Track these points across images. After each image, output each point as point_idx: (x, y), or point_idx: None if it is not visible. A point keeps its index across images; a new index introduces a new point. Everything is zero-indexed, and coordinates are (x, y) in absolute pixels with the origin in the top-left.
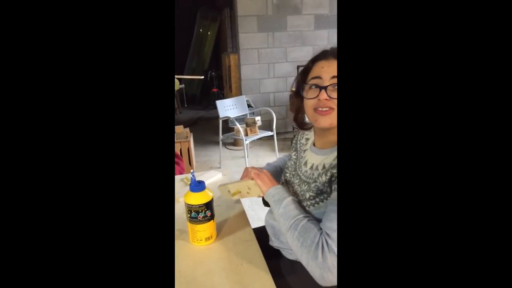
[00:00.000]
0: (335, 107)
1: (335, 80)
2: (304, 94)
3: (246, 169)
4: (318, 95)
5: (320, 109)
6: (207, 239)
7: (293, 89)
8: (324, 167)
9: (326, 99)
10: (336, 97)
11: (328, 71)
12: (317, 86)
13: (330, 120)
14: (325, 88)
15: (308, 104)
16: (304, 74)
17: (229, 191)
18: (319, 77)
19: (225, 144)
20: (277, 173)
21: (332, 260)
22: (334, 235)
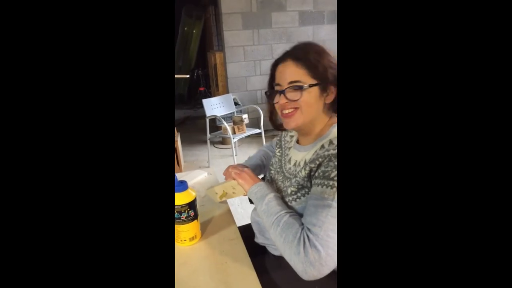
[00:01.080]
0: (299, 106)
1: (292, 83)
2: (272, 98)
3: (227, 169)
4: (279, 100)
5: (285, 111)
6: (191, 239)
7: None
8: (305, 162)
9: (286, 103)
10: (294, 98)
11: (285, 76)
12: (277, 91)
13: (295, 121)
14: (283, 92)
15: (276, 107)
16: (271, 78)
17: (216, 193)
18: (278, 84)
19: (213, 143)
20: (259, 167)
21: (313, 255)
22: (315, 229)
